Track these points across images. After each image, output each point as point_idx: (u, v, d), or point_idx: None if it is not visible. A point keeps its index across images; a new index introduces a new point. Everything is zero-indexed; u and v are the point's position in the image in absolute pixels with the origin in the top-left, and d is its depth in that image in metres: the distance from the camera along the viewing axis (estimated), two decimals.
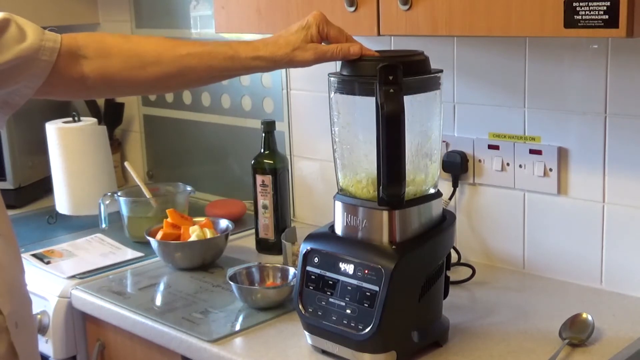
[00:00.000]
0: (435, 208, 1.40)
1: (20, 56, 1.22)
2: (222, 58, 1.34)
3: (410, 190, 1.36)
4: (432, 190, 1.42)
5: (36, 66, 1.25)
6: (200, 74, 1.36)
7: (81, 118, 2.26)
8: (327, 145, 1.53)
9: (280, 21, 1.62)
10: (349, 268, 1.34)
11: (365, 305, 1.31)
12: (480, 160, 1.78)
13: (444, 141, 1.78)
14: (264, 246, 1.95)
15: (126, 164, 2.18)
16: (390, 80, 1.27)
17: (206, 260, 1.85)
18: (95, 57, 1.31)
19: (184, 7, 2.37)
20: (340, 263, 1.36)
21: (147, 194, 2.09)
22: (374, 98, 1.28)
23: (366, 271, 1.32)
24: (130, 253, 1.97)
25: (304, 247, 1.41)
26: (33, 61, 1.24)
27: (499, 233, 1.79)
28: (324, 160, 2.06)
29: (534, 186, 1.70)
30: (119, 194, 2.09)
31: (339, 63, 1.40)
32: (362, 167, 1.40)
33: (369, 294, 1.31)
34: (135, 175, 2.12)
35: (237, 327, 1.53)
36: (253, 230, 1.98)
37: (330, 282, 1.36)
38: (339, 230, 1.40)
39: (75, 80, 1.31)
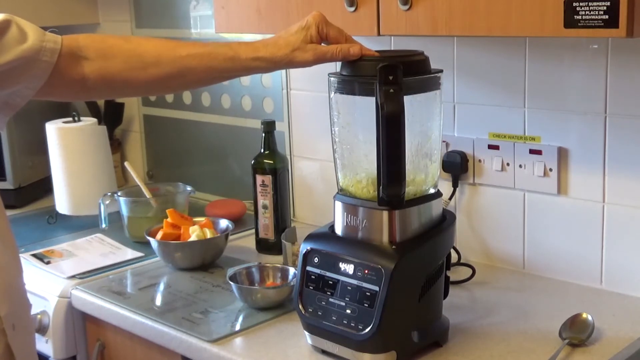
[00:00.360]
0: (435, 208, 1.40)
1: (21, 57, 1.22)
2: (222, 59, 1.34)
3: (410, 190, 1.36)
4: (432, 190, 1.42)
5: (37, 67, 1.25)
6: (200, 74, 1.36)
7: (81, 118, 2.26)
8: (327, 145, 1.53)
9: (280, 21, 1.62)
10: (349, 268, 1.34)
11: (365, 305, 1.31)
12: (480, 160, 1.78)
13: (444, 141, 1.78)
14: (264, 246, 1.95)
15: (126, 164, 2.18)
16: (390, 80, 1.27)
17: (206, 260, 1.85)
18: (96, 58, 1.31)
19: (184, 7, 2.37)
20: (340, 263, 1.36)
21: (147, 194, 2.08)
22: (374, 98, 1.28)
23: (366, 271, 1.32)
24: (130, 253, 1.97)
25: (304, 247, 1.41)
26: (34, 62, 1.24)
27: (499, 233, 1.79)
28: (324, 160, 2.06)
29: (534, 186, 1.70)
30: (119, 194, 2.09)
31: (339, 63, 1.40)
32: (362, 167, 1.40)
33: (369, 294, 1.31)
34: (135, 175, 2.12)
35: (237, 327, 1.53)
36: (253, 230, 1.98)
37: (330, 282, 1.36)
38: (339, 230, 1.40)
39: (76, 81, 1.31)
